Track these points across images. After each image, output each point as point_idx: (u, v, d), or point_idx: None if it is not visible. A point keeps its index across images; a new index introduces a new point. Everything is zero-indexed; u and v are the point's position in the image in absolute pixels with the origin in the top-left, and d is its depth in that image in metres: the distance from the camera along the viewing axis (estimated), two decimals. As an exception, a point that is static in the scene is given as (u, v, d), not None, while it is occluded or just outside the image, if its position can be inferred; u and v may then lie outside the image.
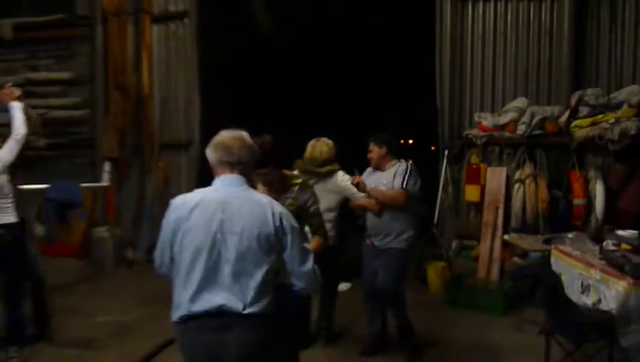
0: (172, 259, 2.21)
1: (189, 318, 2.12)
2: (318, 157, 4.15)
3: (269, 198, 2.29)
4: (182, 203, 2.23)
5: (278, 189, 2.94)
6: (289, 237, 2.19)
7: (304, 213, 2.99)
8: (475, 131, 6.20)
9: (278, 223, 2.17)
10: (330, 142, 4.24)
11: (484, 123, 6.14)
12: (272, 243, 2.16)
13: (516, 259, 5.81)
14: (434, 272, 5.95)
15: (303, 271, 2.24)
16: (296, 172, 3.76)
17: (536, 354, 3.82)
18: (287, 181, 3.05)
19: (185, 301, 2.13)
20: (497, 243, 5.86)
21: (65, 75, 7.97)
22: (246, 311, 2.10)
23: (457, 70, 6.40)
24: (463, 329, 4.84)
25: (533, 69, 6.17)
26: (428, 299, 5.70)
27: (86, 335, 4.62)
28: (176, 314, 2.17)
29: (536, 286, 5.17)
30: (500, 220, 5.92)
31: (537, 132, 5.91)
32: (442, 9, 6.43)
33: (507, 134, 6.02)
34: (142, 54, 7.53)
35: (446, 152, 6.39)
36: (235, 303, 2.10)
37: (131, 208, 7.62)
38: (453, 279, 5.82)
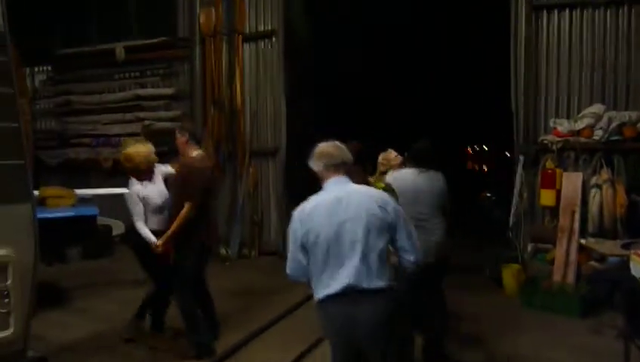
0: (307, 259, 2.60)
1: (328, 297, 2.53)
2: None
3: (373, 189, 2.74)
4: (302, 210, 2.65)
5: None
6: (397, 219, 2.56)
7: None
8: (550, 137, 6.26)
9: (385, 207, 2.55)
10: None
11: (560, 129, 6.19)
12: (383, 226, 2.53)
13: (594, 263, 5.81)
14: (509, 274, 6.06)
15: (413, 244, 2.60)
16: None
17: (616, 358, 3.83)
18: (371, 185, 3.39)
19: (323, 285, 2.55)
20: (573, 247, 5.87)
21: (168, 91, 8.87)
22: (371, 286, 2.49)
23: (532, 77, 6.46)
24: (539, 331, 4.87)
25: (610, 75, 6.13)
26: (503, 301, 5.82)
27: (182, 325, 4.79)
28: (317, 296, 2.60)
29: (615, 290, 5.23)
30: (577, 224, 5.92)
31: (615, 137, 5.89)
32: (517, 17, 6.53)
33: (583, 140, 6.04)
34: (235, 71, 8.20)
35: (521, 158, 6.50)
36: (361, 281, 2.48)
37: (225, 209, 8.30)
38: (528, 281, 5.90)
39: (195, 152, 4.51)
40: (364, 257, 2.48)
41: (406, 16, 8.88)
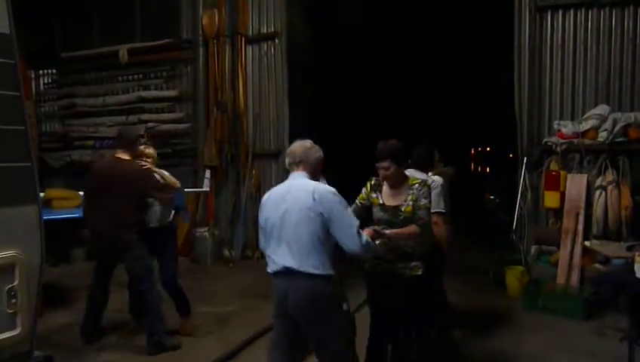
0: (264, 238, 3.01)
1: (272, 273, 2.93)
2: None
3: (316, 183, 2.89)
4: (264, 197, 3.05)
5: (396, 182, 3.40)
6: (331, 212, 2.76)
7: (417, 205, 3.35)
8: (554, 139, 6.26)
9: (320, 201, 2.77)
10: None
11: (564, 130, 6.19)
12: (316, 218, 2.76)
13: (598, 266, 5.80)
14: (513, 276, 6.07)
15: (348, 236, 2.78)
16: None
17: (619, 361, 3.84)
18: (407, 180, 3.42)
19: (270, 261, 2.93)
20: (577, 249, 5.88)
21: (172, 93, 8.89)
22: (301, 270, 2.78)
23: (536, 78, 6.46)
24: (543, 334, 4.88)
25: (615, 76, 6.12)
26: (507, 303, 5.81)
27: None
28: (267, 270, 2.98)
29: (619, 292, 5.22)
30: (581, 226, 5.92)
31: (620, 139, 5.88)
32: (521, 18, 6.52)
33: (588, 141, 6.04)
34: (238, 73, 8.24)
35: (525, 159, 6.50)
36: (293, 264, 2.80)
37: (228, 211, 8.32)
38: (532, 284, 5.89)
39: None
40: (298, 244, 2.79)
41: (410, 17, 8.90)
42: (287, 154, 3.04)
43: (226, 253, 8.00)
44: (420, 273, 3.40)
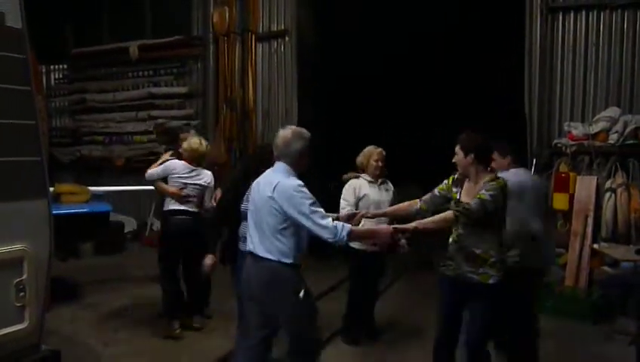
0: None
1: (247, 252, 3.13)
2: None
3: (282, 177, 2.98)
4: (254, 183, 3.21)
5: (469, 175, 3.26)
6: (284, 204, 2.90)
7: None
8: (564, 140, 6.22)
9: (275, 193, 2.92)
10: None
11: (574, 132, 6.14)
12: (274, 209, 2.93)
13: (606, 268, 5.77)
14: (520, 278, 6.06)
15: (315, 225, 2.87)
16: None
17: None
18: (485, 176, 3.21)
19: (247, 241, 3.14)
20: (586, 251, 5.83)
21: (182, 90, 8.95)
22: (260, 255, 2.99)
23: (547, 80, 6.42)
24: (550, 336, 4.75)
25: (626, 78, 6.06)
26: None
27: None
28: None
29: (627, 295, 5.18)
30: (590, 229, 5.88)
31: (630, 141, 5.84)
32: (532, 19, 6.48)
33: (598, 143, 5.99)
34: (247, 70, 8.26)
35: (534, 161, 6.46)
36: (257, 249, 3.01)
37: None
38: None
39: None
40: (261, 231, 3.01)
41: (420, 15, 8.85)
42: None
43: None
44: (490, 281, 3.13)
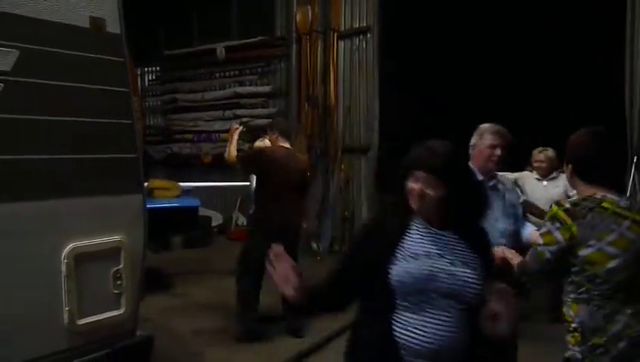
0: None
1: None
2: None
3: None
4: None
5: None
6: None
7: None
8: (669, 137, 5.71)
9: None
10: None
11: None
12: None
13: None
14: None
15: None
16: None
17: None
18: None
19: None
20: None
21: (265, 89, 9.17)
22: None
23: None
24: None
25: None
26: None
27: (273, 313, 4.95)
28: None
29: None
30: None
31: None
32: (634, 19, 6.00)
33: None
34: (329, 68, 8.30)
35: (635, 159, 5.98)
36: None
37: (316, 205, 8.44)
38: None
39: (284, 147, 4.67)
40: None
41: (507, 7, 8.46)
42: None
43: (314, 246, 8.10)
44: None
